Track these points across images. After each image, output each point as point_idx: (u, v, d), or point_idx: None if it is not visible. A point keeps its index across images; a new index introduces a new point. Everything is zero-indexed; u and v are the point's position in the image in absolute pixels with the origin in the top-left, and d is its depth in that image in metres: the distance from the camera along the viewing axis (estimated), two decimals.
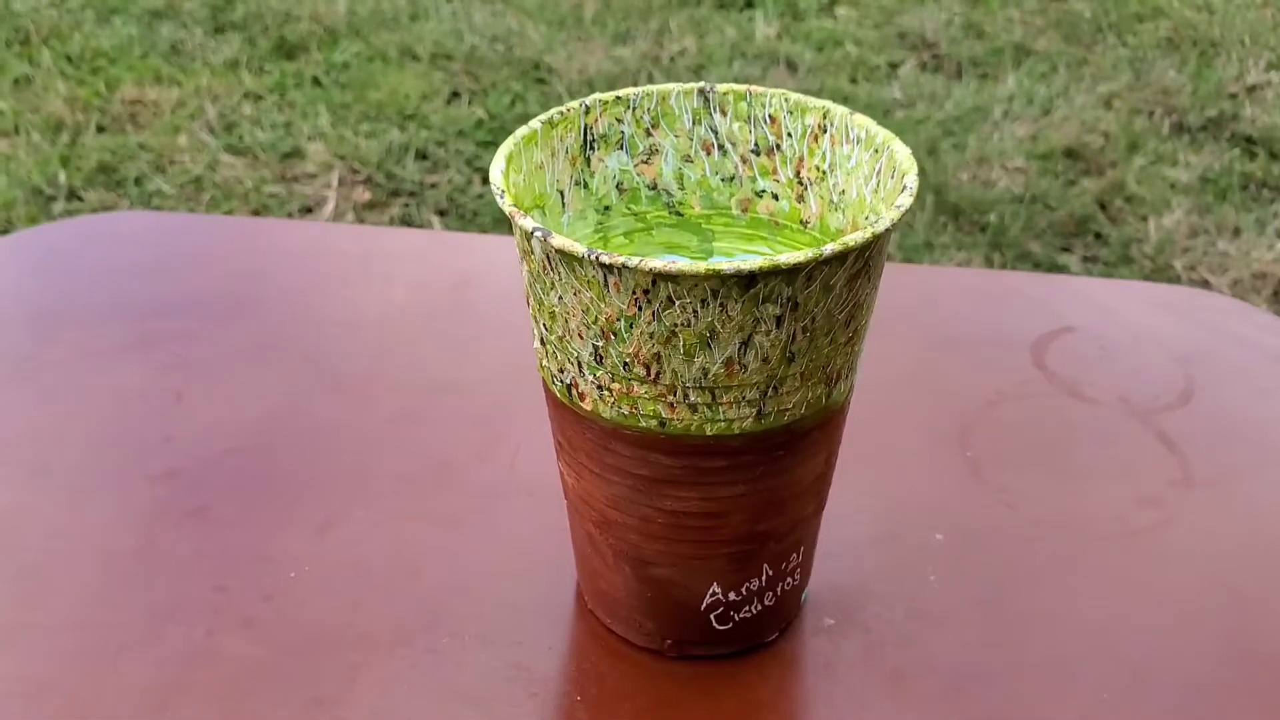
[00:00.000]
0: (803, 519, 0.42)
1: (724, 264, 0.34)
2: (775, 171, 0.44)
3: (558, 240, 0.35)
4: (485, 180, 1.83)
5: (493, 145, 1.99)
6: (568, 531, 0.47)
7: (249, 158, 1.93)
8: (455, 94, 2.13)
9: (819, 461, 0.41)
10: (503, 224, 1.70)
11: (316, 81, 2.14)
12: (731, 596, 0.43)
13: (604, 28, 2.41)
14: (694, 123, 0.45)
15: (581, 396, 0.39)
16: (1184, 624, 0.46)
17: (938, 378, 0.59)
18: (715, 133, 0.45)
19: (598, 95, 0.43)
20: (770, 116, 0.44)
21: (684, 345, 0.36)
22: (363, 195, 1.86)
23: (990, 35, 2.50)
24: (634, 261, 0.34)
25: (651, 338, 0.36)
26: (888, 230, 0.36)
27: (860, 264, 0.37)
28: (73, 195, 1.82)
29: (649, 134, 0.44)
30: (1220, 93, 2.33)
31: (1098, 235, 1.92)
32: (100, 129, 2.00)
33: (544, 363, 0.41)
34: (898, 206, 0.37)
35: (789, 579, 0.44)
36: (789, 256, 0.34)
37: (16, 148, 1.92)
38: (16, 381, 0.58)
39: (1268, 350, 0.60)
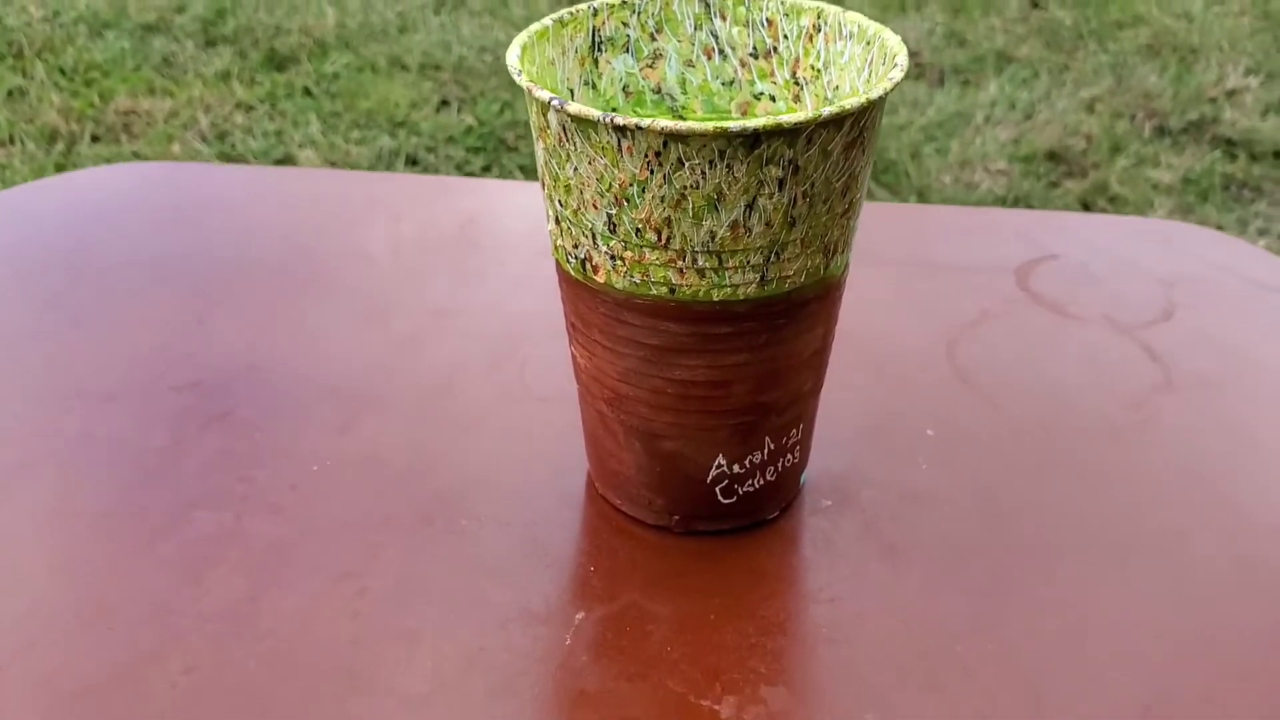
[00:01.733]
0: (802, 394, 0.45)
1: (731, 124, 0.37)
2: (773, 74, 0.47)
3: (574, 107, 0.38)
4: None
5: (482, 151, 2.02)
6: (578, 431, 0.50)
7: (241, 165, 1.96)
8: (445, 102, 2.16)
9: (817, 335, 0.44)
10: None
11: (307, 91, 2.17)
12: (736, 469, 0.45)
13: None
14: (695, 28, 0.47)
15: (595, 269, 0.42)
16: (1163, 509, 0.49)
17: (925, 298, 0.61)
18: (716, 37, 0.47)
19: None
20: (767, 20, 0.47)
21: (693, 208, 0.39)
22: None
23: (972, 43, 2.55)
24: (646, 123, 0.37)
25: (662, 201, 0.39)
26: (881, 98, 0.39)
27: (855, 132, 0.39)
28: None
29: (653, 38, 0.47)
30: (1200, 97, 2.38)
31: None
32: (95, 139, 2.02)
33: (558, 242, 0.43)
34: (890, 79, 0.40)
35: (789, 455, 0.46)
36: (790, 117, 0.37)
37: (12, 157, 1.95)
38: (51, 311, 0.60)
39: (1246, 275, 0.63)
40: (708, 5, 0.47)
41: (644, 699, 0.40)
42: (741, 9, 0.47)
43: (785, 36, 0.46)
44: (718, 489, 0.46)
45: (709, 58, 0.47)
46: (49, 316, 0.59)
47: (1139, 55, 2.55)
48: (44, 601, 0.44)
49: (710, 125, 0.37)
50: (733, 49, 0.47)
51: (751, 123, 0.37)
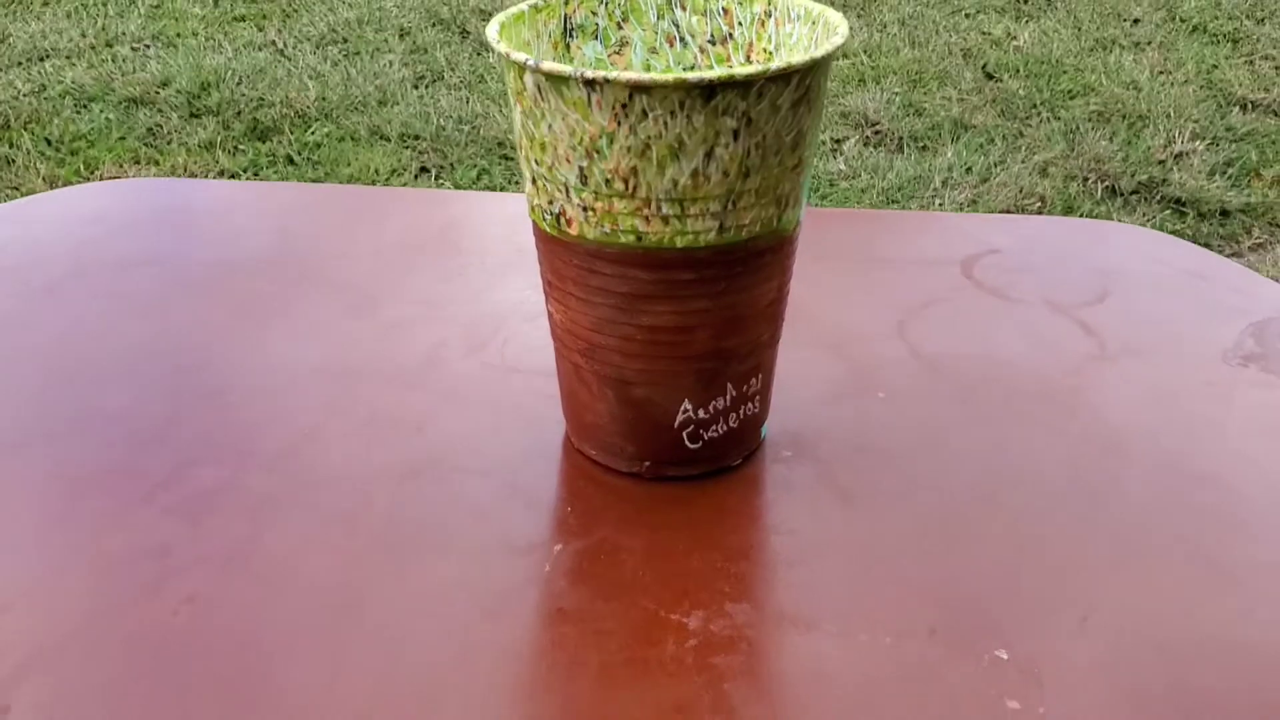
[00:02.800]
0: (760, 343, 0.49)
1: (690, 75, 0.41)
2: (729, 59, 0.52)
3: (548, 65, 0.42)
4: None
5: None
6: (556, 400, 0.54)
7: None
8: (424, 169, 2.22)
9: (773, 286, 0.48)
10: None
11: (290, 159, 2.22)
12: (700, 414, 0.49)
13: None
14: (658, 17, 0.52)
15: (569, 223, 0.46)
16: (1095, 454, 0.52)
17: (877, 286, 0.66)
18: (677, 26, 0.52)
19: None
20: (723, 9, 0.51)
21: (657, 157, 0.43)
22: None
23: (929, 113, 2.63)
24: (614, 75, 0.41)
25: (629, 151, 0.43)
26: (825, 58, 0.43)
27: (802, 90, 0.44)
28: None
29: (620, 27, 0.52)
30: (1149, 160, 2.46)
31: None
32: None
33: (534, 202, 0.47)
34: (831, 42, 0.44)
35: (750, 404, 0.50)
36: (743, 69, 0.41)
37: None
38: (54, 300, 0.63)
39: (1174, 264, 0.68)
40: None
41: (618, 615, 0.44)
42: (700, 0, 0.51)
43: (740, 23, 0.51)
44: (684, 434, 0.49)
45: (671, 45, 0.52)
46: (54, 307, 0.63)
47: (1090, 122, 2.63)
48: (49, 547, 0.47)
49: (671, 76, 0.41)
50: (693, 36, 0.52)
51: (708, 74, 0.41)
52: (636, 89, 0.41)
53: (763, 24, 0.51)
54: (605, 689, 0.41)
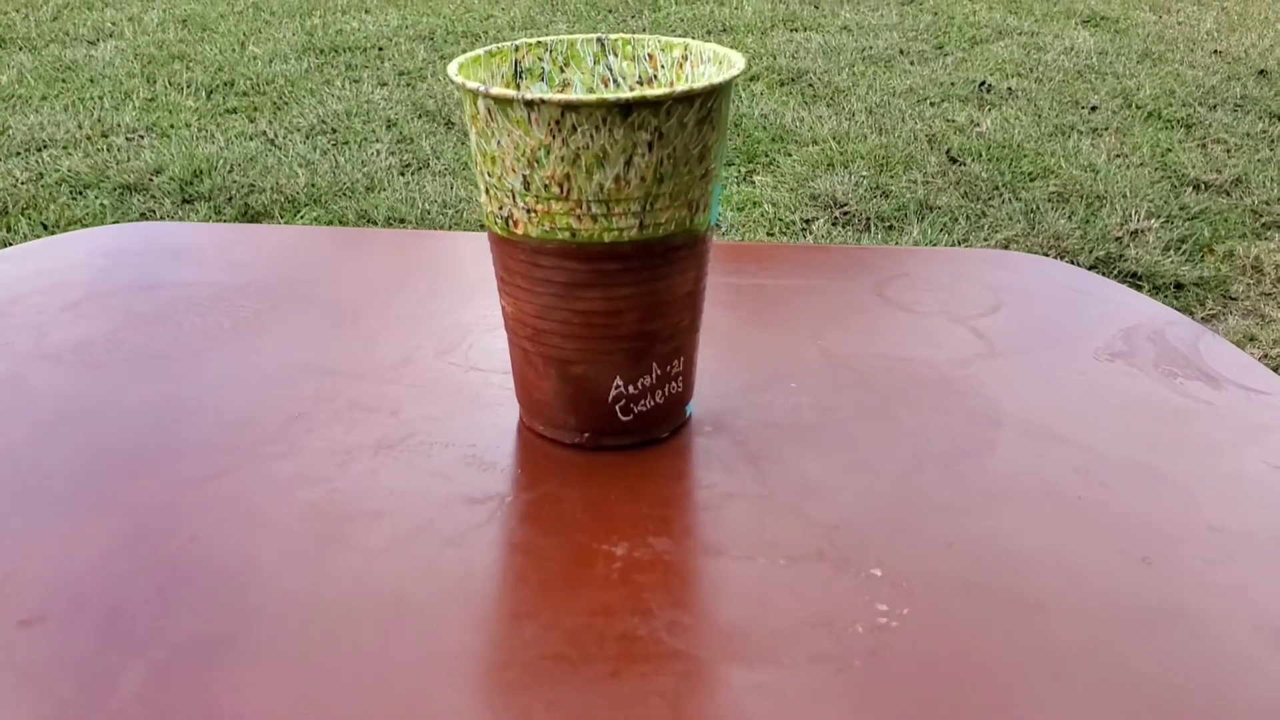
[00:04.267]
0: (680, 328, 0.58)
1: (609, 96, 0.51)
2: None
3: (495, 90, 0.52)
4: None
5: None
6: (511, 391, 0.62)
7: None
8: None
9: (689, 278, 0.57)
10: None
11: None
12: (630, 390, 0.58)
13: None
14: (594, 62, 0.62)
15: (515, 224, 0.55)
16: (983, 428, 0.61)
17: (793, 301, 0.75)
18: (610, 70, 0.62)
19: (525, 39, 0.61)
20: (649, 54, 0.61)
21: (585, 165, 0.52)
22: None
23: (895, 195, 2.75)
24: (548, 97, 0.51)
25: (563, 160, 0.52)
26: (722, 85, 0.53)
27: (704, 111, 0.53)
28: None
29: (562, 70, 0.62)
30: (1107, 237, 2.58)
31: None
32: None
33: (488, 210, 0.57)
34: (727, 73, 0.54)
35: (674, 383, 0.59)
36: (654, 91, 0.51)
37: None
38: (75, 315, 0.72)
39: (1062, 283, 0.77)
40: (603, 45, 0.61)
41: (559, 548, 0.52)
42: (629, 47, 0.61)
43: (663, 66, 0.61)
44: (617, 407, 0.58)
45: (605, 86, 0.62)
46: (69, 321, 0.72)
47: (1050, 202, 2.76)
48: (66, 498, 0.55)
49: (595, 97, 0.51)
50: (623, 78, 0.62)
51: (624, 96, 0.51)
52: (567, 108, 0.51)
53: (680, 66, 0.60)
54: (545, 596, 0.49)
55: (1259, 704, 0.44)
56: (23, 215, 2.41)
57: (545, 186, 0.53)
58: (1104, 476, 0.57)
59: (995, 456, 0.59)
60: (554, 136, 0.52)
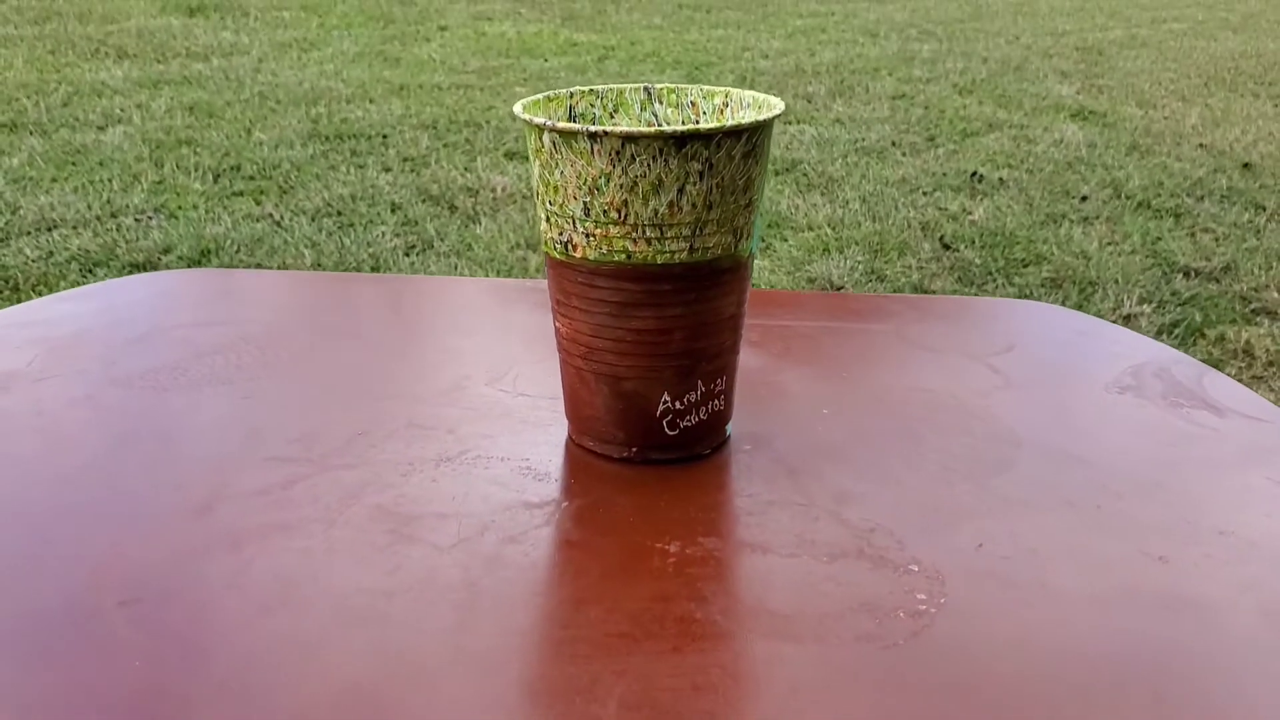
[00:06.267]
0: (724, 348, 0.62)
1: (666, 129, 0.56)
2: None
3: (562, 124, 0.57)
4: None
5: None
6: (560, 413, 0.66)
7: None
8: None
9: (733, 300, 0.61)
10: None
11: None
12: (677, 405, 0.62)
13: None
14: (641, 109, 0.67)
15: (575, 248, 0.59)
16: (1001, 447, 0.65)
17: (819, 340, 0.79)
18: (656, 116, 0.67)
19: (579, 87, 0.66)
20: (692, 102, 0.66)
21: (642, 192, 0.57)
22: None
23: (891, 279, 2.82)
24: (610, 129, 0.56)
25: (621, 188, 0.57)
26: (766, 121, 0.58)
27: (750, 145, 0.58)
28: None
29: (611, 116, 0.67)
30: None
31: None
32: None
33: (548, 236, 0.61)
34: (771, 112, 0.59)
35: (716, 400, 0.63)
36: (706, 126, 0.56)
37: None
38: (140, 347, 0.76)
39: (1070, 327, 0.82)
40: (649, 93, 0.67)
41: (615, 545, 0.56)
42: (673, 95, 0.66)
43: (704, 113, 0.66)
44: (664, 422, 0.62)
45: None
46: (132, 354, 0.76)
47: (1043, 287, 2.82)
48: (148, 499, 0.59)
49: (653, 130, 0.56)
50: (668, 124, 0.67)
51: (680, 129, 0.56)
52: (627, 139, 0.56)
53: (721, 111, 0.65)
54: (605, 585, 0.52)
55: (1267, 676, 0.47)
56: (33, 291, 2.46)
57: (604, 212, 0.58)
58: (1119, 489, 0.61)
59: (1016, 471, 0.63)
60: (614, 165, 0.56)
